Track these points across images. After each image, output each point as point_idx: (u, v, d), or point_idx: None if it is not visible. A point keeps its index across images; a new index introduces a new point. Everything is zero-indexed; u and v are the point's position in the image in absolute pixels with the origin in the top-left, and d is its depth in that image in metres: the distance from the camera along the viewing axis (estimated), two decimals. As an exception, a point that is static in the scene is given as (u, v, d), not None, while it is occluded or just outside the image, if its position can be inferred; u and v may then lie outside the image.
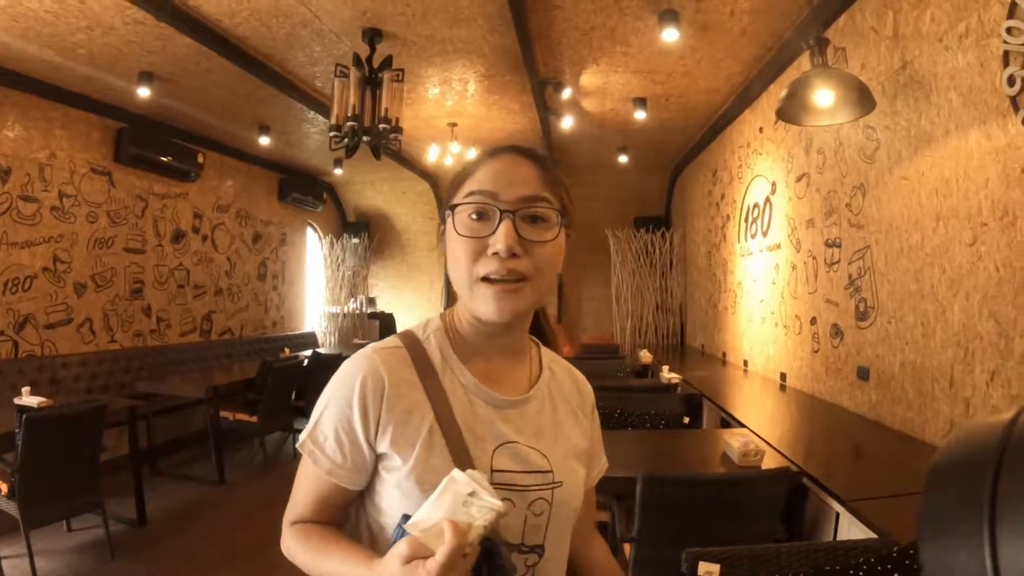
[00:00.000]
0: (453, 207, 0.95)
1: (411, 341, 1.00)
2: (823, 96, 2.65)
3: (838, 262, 3.69)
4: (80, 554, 3.90)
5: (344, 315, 9.91)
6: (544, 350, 1.11)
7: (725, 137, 6.12)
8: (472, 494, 0.75)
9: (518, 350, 1.05)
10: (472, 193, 0.93)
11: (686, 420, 3.66)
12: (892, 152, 3.11)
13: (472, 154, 6.93)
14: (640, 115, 5.64)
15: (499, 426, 0.95)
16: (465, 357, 0.99)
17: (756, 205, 5.19)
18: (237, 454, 6.03)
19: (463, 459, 0.89)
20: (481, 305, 0.92)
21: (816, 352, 3.99)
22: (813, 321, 4.03)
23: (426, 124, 6.69)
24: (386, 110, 4.30)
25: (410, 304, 10.59)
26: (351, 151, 4.49)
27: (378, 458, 0.94)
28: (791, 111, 2.84)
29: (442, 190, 10.12)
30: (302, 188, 9.06)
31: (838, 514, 2.15)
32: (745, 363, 5.51)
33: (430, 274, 10.64)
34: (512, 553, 0.87)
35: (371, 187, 10.26)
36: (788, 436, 3.21)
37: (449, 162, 7.12)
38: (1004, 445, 0.43)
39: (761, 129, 5.05)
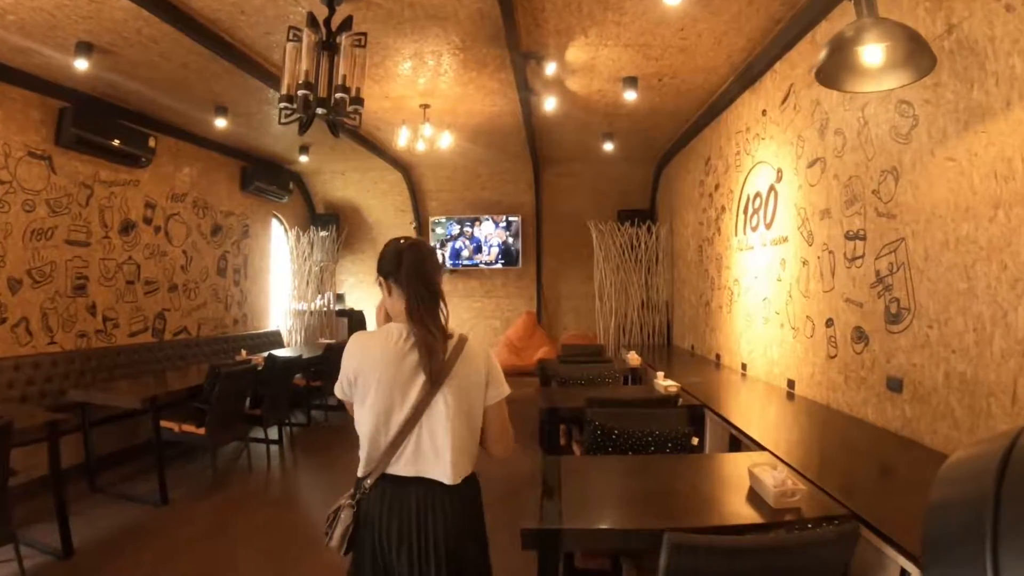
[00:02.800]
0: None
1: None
2: (872, 53, 2.20)
3: (862, 257, 3.27)
4: None
5: (311, 312, 9.34)
6: None
7: (721, 122, 5.69)
8: None
9: None
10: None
11: (695, 441, 3.21)
12: (934, 130, 2.68)
13: (446, 138, 6.51)
14: (630, 95, 5.19)
15: None
16: None
17: (758, 195, 4.77)
18: (186, 469, 5.44)
19: None
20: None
21: (833, 358, 3.57)
22: (829, 323, 3.60)
23: (396, 105, 6.17)
24: (344, 78, 3.76)
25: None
26: (305, 126, 3.93)
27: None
28: (832, 72, 2.38)
29: (415, 179, 9.72)
30: (266, 177, 8.49)
31: (906, 572, 1.70)
32: (744, 367, 5.10)
33: (404, 269, 10.10)
34: None
35: (341, 177, 9.72)
36: (817, 461, 2.76)
37: (421, 147, 6.61)
38: (1003, 469, 0.45)
39: (764, 111, 4.63)
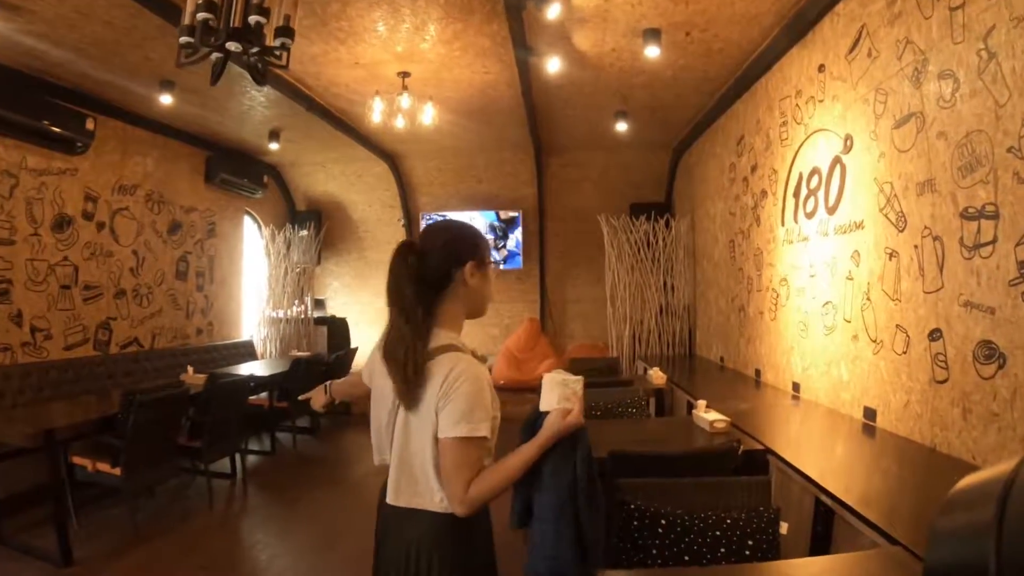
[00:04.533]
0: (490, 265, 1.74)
1: (465, 349, 1.61)
2: None
3: (991, 243, 2.32)
4: None
5: (287, 321, 8.39)
6: None
7: (759, 90, 4.75)
8: (563, 379, 1.59)
9: None
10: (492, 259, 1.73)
11: (783, 528, 2.15)
12: None
13: (428, 112, 5.52)
14: (652, 52, 4.23)
15: None
16: None
17: (815, 172, 3.82)
18: (109, 513, 4.44)
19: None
20: (483, 314, 1.75)
21: (942, 383, 2.61)
22: (935, 335, 2.65)
23: (370, 73, 5.24)
24: None
25: (367, 307, 9.12)
26: (218, 73, 2.95)
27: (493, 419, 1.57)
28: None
29: (403, 171, 8.76)
30: (235, 169, 7.56)
31: None
32: (795, 387, 4.14)
33: (390, 270, 9.14)
34: None
35: (322, 169, 8.79)
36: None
37: (400, 124, 5.64)
38: (1004, 504, 0.45)
39: (822, 67, 3.69)
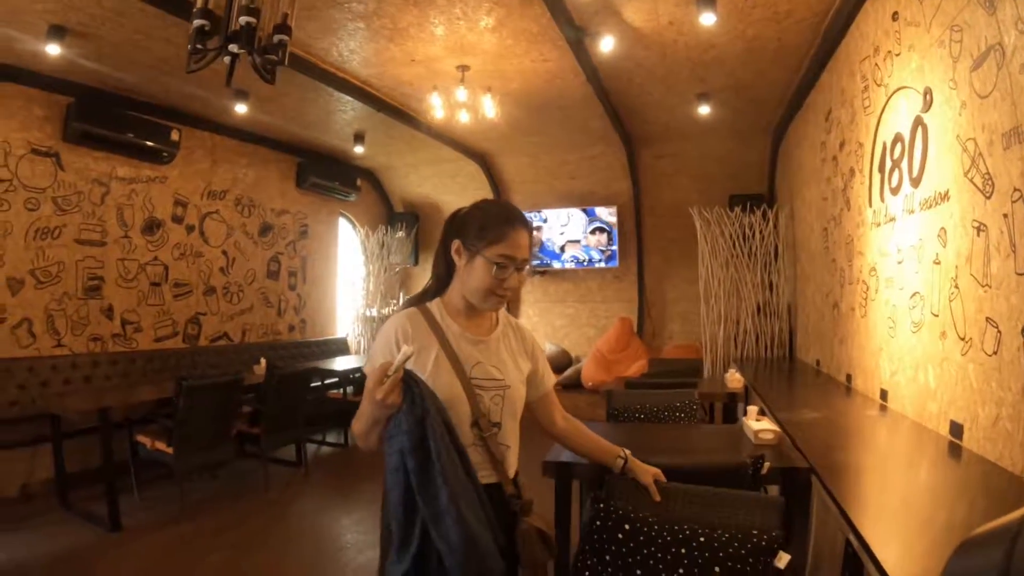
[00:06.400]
0: (488, 256, 1.63)
1: (422, 308, 1.72)
2: None
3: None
4: None
5: (380, 318, 8.47)
6: (502, 313, 1.82)
7: (840, 55, 4.13)
8: (400, 350, 1.44)
9: (484, 315, 1.75)
10: (503, 255, 1.62)
11: (781, 560, 1.71)
12: None
13: (488, 104, 5.32)
14: (707, 20, 3.78)
15: (474, 353, 1.68)
16: (453, 317, 1.71)
17: (898, 139, 3.22)
18: (163, 491, 4.68)
19: (457, 370, 1.62)
20: (487, 304, 1.68)
21: (1036, 392, 2.04)
22: (1032, 330, 2.07)
23: (429, 69, 5.13)
24: None
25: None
26: (229, 74, 3.01)
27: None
28: None
29: (494, 170, 8.62)
30: (326, 173, 7.75)
31: None
32: (883, 395, 3.52)
33: (487, 269, 9.01)
34: (488, 425, 1.63)
35: (415, 171, 8.82)
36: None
37: (464, 118, 5.47)
38: (1013, 546, 0.48)
39: (896, 14, 3.10)
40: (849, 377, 4.21)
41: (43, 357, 4.90)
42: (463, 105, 5.29)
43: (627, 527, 1.77)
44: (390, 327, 1.67)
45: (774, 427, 2.78)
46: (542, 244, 8.57)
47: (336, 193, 8.07)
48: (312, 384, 5.58)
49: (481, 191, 8.73)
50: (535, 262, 8.65)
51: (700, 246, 6.80)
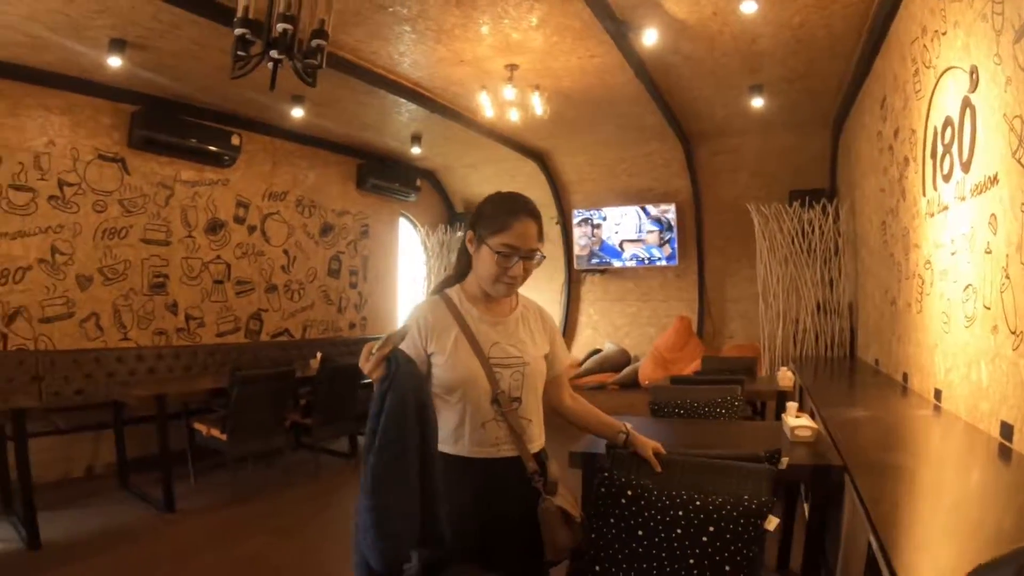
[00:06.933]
0: (492, 246, 1.71)
1: (443, 295, 1.82)
2: None
3: None
4: None
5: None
6: (521, 296, 1.90)
7: (891, 40, 3.94)
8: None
9: (501, 300, 1.83)
10: (506, 244, 1.70)
11: (770, 523, 1.78)
12: None
13: (537, 102, 5.33)
14: (748, 8, 3.69)
15: (492, 334, 1.77)
16: (472, 302, 1.81)
17: (948, 123, 3.05)
18: (219, 476, 4.94)
19: (476, 350, 1.73)
20: (497, 290, 1.76)
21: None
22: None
23: (478, 69, 5.19)
24: (288, 4, 2.92)
25: (523, 302, 9.05)
26: (272, 79, 3.18)
27: (429, 355, 1.74)
28: None
29: (552, 169, 8.61)
30: (386, 175, 7.92)
31: None
32: (937, 395, 3.34)
33: (549, 269, 9.03)
34: (507, 401, 1.73)
35: (474, 171, 8.90)
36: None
37: (515, 117, 5.50)
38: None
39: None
40: (905, 376, 4.01)
41: (110, 349, 5.23)
42: (512, 104, 5.31)
43: (629, 493, 1.88)
44: (412, 315, 1.80)
45: (812, 424, 2.72)
46: (602, 243, 8.52)
47: (396, 194, 8.24)
48: (365, 378, 5.72)
49: (540, 190, 8.73)
50: (594, 260, 8.60)
51: (758, 243, 6.61)
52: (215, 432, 4.53)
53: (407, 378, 1.49)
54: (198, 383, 5.02)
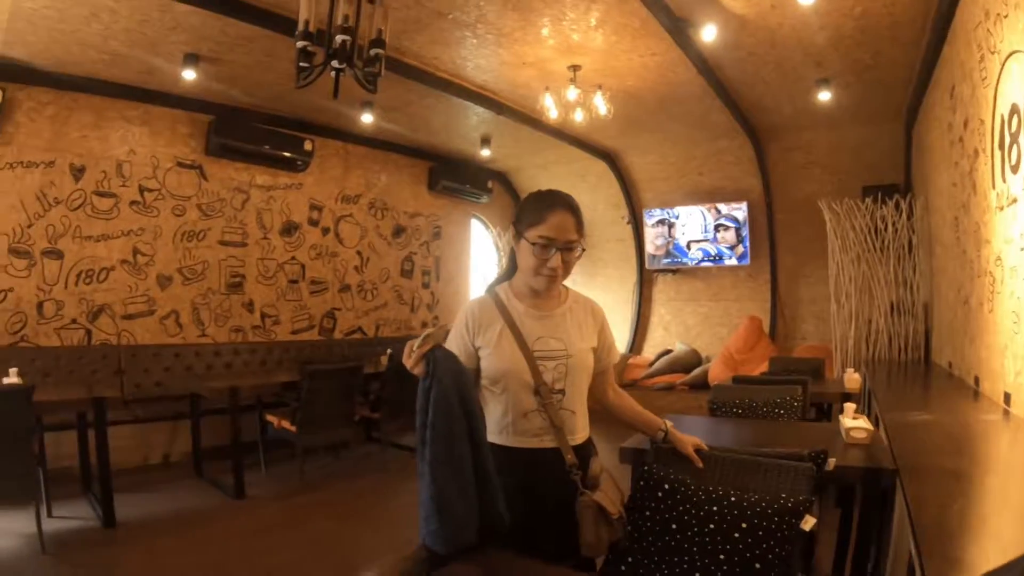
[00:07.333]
0: (529, 239, 1.78)
1: (491, 292, 1.92)
2: None
3: None
4: (11, 541, 3.64)
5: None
6: (571, 291, 1.98)
7: (956, 25, 3.76)
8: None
9: (549, 295, 1.89)
10: (542, 236, 1.76)
11: (808, 523, 1.74)
12: None
13: (600, 101, 5.36)
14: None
15: (536, 328, 1.84)
16: (519, 298, 1.88)
17: (1014, 111, 2.90)
18: (290, 467, 5.17)
19: (520, 344, 1.80)
20: (538, 283, 1.82)
21: None
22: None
23: (541, 71, 5.27)
24: (346, 17, 3.07)
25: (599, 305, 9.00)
26: (335, 88, 3.39)
27: (477, 349, 1.83)
28: None
29: (622, 168, 8.57)
30: (457, 176, 8.09)
31: None
32: (1007, 399, 3.18)
33: (620, 269, 9.06)
34: (548, 393, 1.79)
35: (544, 172, 8.96)
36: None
37: (579, 117, 5.53)
38: None
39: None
40: (977, 380, 3.82)
41: (188, 345, 5.60)
42: (576, 104, 5.35)
43: (666, 487, 1.90)
44: (461, 313, 1.89)
45: (867, 426, 2.66)
46: (675, 243, 8.42)
47: (468, 195, 8.40)
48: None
49: (611, 190, 8.73)
50: (667, 260, 8.51)
51: (830, 240, 6.39)
52: (286, 424, 4.78)
53: (447, 373, 1.56)
54: (271, 377, 5.32)
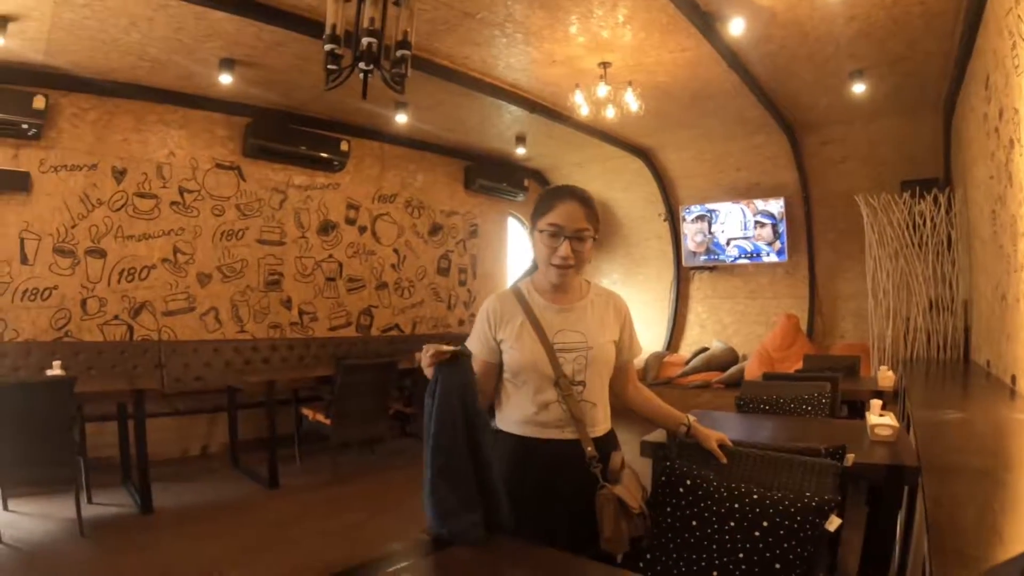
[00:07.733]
0: (540, 228, 1.83)
1: (513, 288, 1.96)
2: None
3: None
4: (51, 525, 3.81)
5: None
6: (593, 285, 1.99)
7: (988, 13, 3.67)
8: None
9: (568, 288, 1.91)
10: (551, 224, 1.80)
11: (832, 524, 1.66)
12: None
13: (631, 98, 5.36)
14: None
15: (557, 321, 1.86)
16: (540, 292, 1.90)
17: (1046, 101, 2.85)
18: (325, 459, 5.30)
19: (540, 337, 1.83)
20: (550, 274, 1.85)
21: None
22: None
23: (571, 68, 5.31)
24: (371, 20, 3.16)
25: (636, 303, 8.95)
26: (363, 89, 3.51)
27: (499, 343, 1.86)
28: None
29: (658, 165, 8.53)
30: (493, 175, 8.17)
31: None
32: (1039, 397, 3.11)
33: (658, 267, 9.00)
34: (567, 385, 1.81)
35: (580, 170, 8.95)
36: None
37: (611, 114, 5.54)
38: None
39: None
40: (1013, 379, 3.72)
41: (227, 340, 5.80)
42: (607, 101, 5.36)
43: (688, 483, 1.88)
44: (483, 309, 1.93)
45: (892, 423, 2.65)
46: (714, 239, 8.35)
47: (504, 194, 8.47)
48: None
49: (647, 187, 8.69)
50: (704, 257, 8.44)
51: (867, 236, 6.26)
52: (320, 417, 4.93)
53: (449, 379, 1.62)
54: (307, 372, 5.48)
